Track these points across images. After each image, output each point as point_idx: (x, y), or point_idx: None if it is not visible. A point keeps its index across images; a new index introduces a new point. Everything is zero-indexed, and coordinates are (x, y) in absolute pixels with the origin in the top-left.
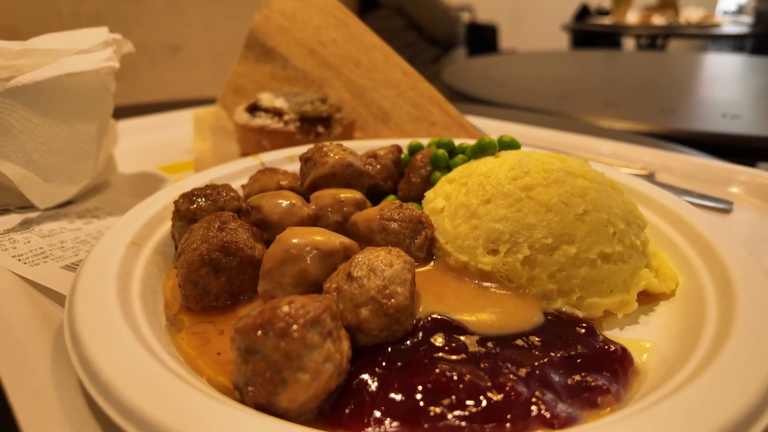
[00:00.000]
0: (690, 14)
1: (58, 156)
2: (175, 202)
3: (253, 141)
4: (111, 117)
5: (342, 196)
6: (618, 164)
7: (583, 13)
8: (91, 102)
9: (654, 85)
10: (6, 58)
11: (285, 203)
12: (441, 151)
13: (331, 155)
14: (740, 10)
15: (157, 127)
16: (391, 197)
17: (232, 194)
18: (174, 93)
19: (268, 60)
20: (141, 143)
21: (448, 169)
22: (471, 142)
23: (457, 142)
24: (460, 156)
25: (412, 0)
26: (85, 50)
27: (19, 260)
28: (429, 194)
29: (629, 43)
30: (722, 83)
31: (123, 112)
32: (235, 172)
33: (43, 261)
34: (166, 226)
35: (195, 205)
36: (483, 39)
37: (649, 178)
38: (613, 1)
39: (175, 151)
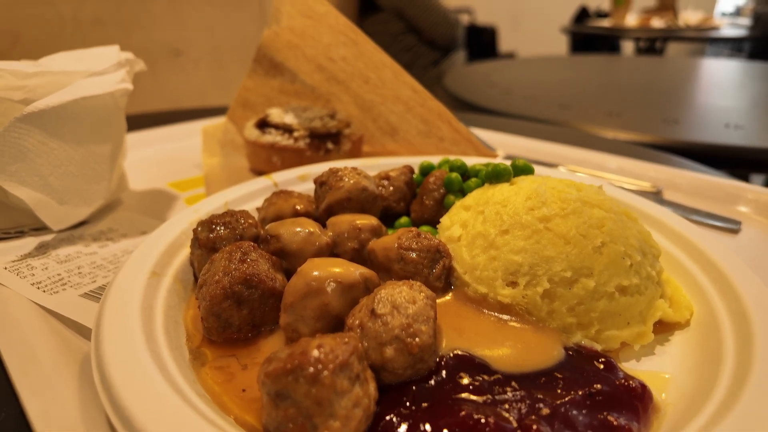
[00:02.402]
0: (689, 17)
1: (73, 178)
2: (194, 230)
3: (264, 157)
4: (125, 135)
5: (359, 222)
6: (625, 181)
7: (582, 15)
8: (105, 124)
9: (655, 93)
10: (19, 78)
11: (303, 232)
12: (454, 175)
13: (346, 180)
14: (738, 12)
15: (164, 139)
16: (404, 219)
17: (250, 221)
18: (175, 97)
19: (276, 74)
20: (150, 157)
21: (462, 192)
22: (482, 160)
23: (468, 160)
24: (474, 180)
25: (412, 3)
26: (99, 72)
27: (38, 288)
28: (445, 221)
29: (628, 45)
30: (723, 91)
31: (129, 122)
32: (249, 194)
33: (62, 289)
34: (184, 252)
35: (214, 234)
36: (482, 41)
37: (657, 195)
38: (612, 3)
39: (184, 166)
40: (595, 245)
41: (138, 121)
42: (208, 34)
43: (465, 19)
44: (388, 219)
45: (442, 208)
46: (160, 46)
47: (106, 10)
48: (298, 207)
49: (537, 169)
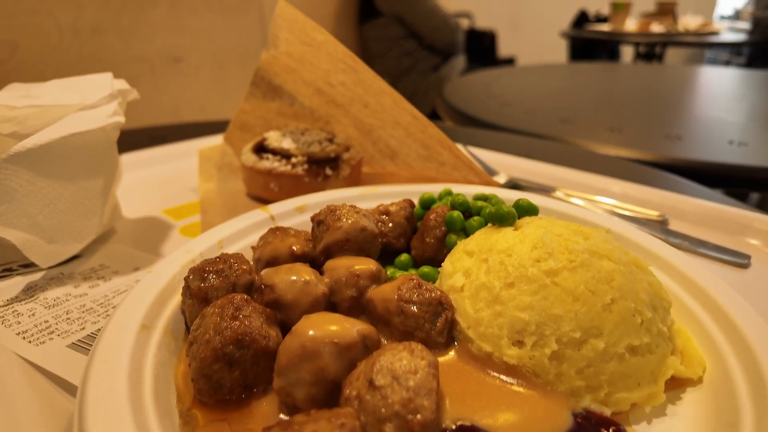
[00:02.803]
0: (688, 21)
1: (63, 216)
2: (186, 279)
3: (261, 183)
4: (117, 168)
5: (357, 268)
6: (630, 209)
7: (582, 19)
8: (96, 159)
9: (656, 105)
10: (9, 110)
11: (299, 282)
12: (456, 213)
13: (344, 220)
14: (737, 15)
15: (160, 160)
16: (404, 256)
17: (244, 267)
18: (174, 103)
19: (275, 97)
20: (145, 180)
21: (464, 231)
22: (485, 190)
23: (470, 189)
24: (476, 218)
25: (412, 8)
26: (91, 105)
27: (24, 338)
28: (447, 266)
29: (628, 50)
30: (725, 102)
31: (125, 139)
32: (244, 229)
33: (49, 338)
34: (175, 299)
35: (206, 283)
36: (482, 46)
37: (663, 225)
38: (611, 8)
39: (180, 190)
40: (604, 302)
41: (134, 138)
42: (207, 41)
43: (464, 23)
44: (388, 256)
45: (444, 246)
46: (159, 53)
47: (105, 18)
48: (295, 248)
49: (539, 199)
